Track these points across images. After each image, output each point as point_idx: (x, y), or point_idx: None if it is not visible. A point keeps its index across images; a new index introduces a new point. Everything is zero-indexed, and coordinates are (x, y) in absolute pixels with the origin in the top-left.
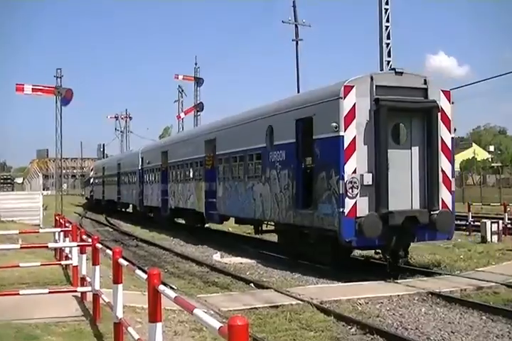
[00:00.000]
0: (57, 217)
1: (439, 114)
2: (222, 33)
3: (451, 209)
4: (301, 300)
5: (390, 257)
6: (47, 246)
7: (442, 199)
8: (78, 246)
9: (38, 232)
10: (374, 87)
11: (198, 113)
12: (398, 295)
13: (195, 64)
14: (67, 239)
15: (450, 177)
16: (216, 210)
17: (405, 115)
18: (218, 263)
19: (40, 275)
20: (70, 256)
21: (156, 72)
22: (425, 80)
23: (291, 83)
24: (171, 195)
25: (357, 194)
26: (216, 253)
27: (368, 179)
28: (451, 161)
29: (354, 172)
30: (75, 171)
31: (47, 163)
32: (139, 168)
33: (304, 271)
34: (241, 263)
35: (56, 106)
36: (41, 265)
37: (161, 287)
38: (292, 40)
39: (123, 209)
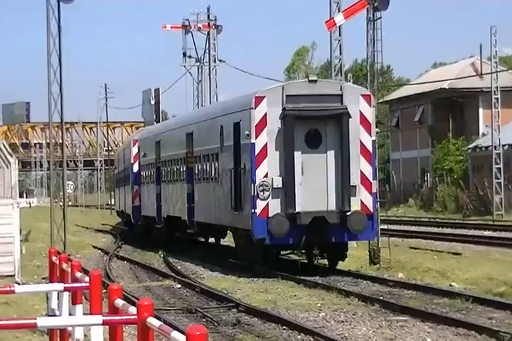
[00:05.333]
0: (54, 258)
1: (359, 117)
2: None
3: (371, 210)
4: None
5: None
6: (34, 326)
7: (361, 201)
8: (105, 323)
9: (10, 292)
10: (284, 96)
11: (377, 12)
12: None
13: None
14: (77, 308)
15: (370, 179)
16: (194, 217)
17: (320, 121)
18: None
19: None
20: None
21: None
22: (341, 87)
23: None
24: (164, 199)
25: (268, 196)
26: None
27: (278, 182)
28: (372, 163)
29: (266, 176)
30: (92, 153)
31: (27, 135)
32: (132, 161)
33: None
34: None
35: (48, 3)
36: None
37: None
38: None
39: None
